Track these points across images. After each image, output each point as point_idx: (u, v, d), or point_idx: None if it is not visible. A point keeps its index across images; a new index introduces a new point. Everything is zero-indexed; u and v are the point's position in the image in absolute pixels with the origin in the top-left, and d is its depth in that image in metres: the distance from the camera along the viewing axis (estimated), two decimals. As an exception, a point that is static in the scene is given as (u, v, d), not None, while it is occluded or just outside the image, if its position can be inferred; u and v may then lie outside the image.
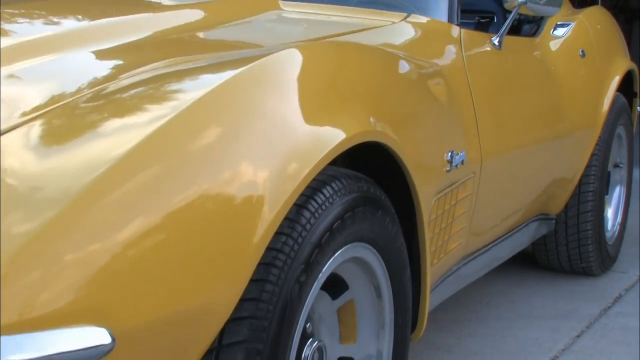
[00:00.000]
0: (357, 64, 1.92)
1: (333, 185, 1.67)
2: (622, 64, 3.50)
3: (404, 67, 2.13)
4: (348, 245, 1.71)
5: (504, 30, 2.74)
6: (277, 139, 1.54)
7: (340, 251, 1.69)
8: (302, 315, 1.60)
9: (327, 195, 1.64)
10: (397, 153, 1.83)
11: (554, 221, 3.36)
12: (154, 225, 1.35)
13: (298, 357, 1.70)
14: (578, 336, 2.94)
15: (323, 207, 1.62)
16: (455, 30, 2.57)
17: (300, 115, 1.63)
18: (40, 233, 1.26)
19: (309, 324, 1.78)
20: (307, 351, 1.74)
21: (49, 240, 1.26)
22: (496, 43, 2.75)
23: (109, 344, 1.28)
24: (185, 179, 1.40)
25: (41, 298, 1.24)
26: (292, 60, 1.73)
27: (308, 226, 1.58)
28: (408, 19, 2.49)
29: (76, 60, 1.81)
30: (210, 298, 1.41)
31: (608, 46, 3.48)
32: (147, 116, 1.49)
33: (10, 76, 1.67)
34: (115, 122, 1.49)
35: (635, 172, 4.10)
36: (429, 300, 2.10)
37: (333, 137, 1.64)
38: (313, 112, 1.66)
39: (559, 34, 3.26)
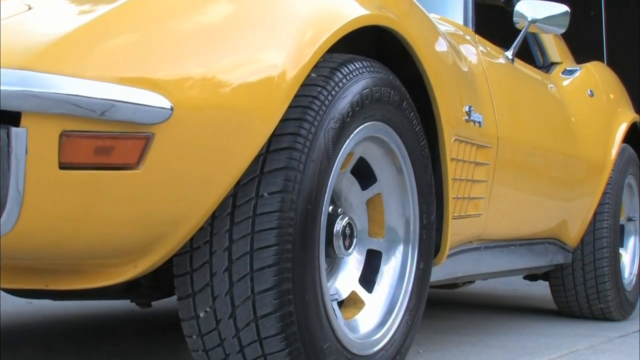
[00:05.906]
0: None
1: (364, 62, 1.86)
2: (629, 114, 3.72)
3: (433, 22, 2.34)
4: (376, 122, 1.88)
5: (516, 45, 2.99)
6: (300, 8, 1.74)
7: (369, 123, 1.86)
8: (336, 163, 1.75)
9: (358, 66, 1.83)
10: (418, 55, 2.01)
11: (570, 254, 3.47)
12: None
13: (330, 225, 1.83)
14: (596, 345, 3.00)
15: (354, 73, 1.81)
16: (472, 34, 2.82)
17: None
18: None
19: (340, 209, 1.92)
20: (338, 225, 1.87)
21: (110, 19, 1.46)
22: (509, 56, 2.99)
23: (167, 110, 1.44)
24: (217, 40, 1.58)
25: (110, 56, 1.42)
26: None
27: (340, 84, 1.77)
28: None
29: None
30: (253, 109, 1.59)
31: (614, 94, 3.70)
32: None
33: None
34: None
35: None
36: (451, 228, 2.23)
37: (355, 12, 1.84)
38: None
39: (568, 75, 3.50)
